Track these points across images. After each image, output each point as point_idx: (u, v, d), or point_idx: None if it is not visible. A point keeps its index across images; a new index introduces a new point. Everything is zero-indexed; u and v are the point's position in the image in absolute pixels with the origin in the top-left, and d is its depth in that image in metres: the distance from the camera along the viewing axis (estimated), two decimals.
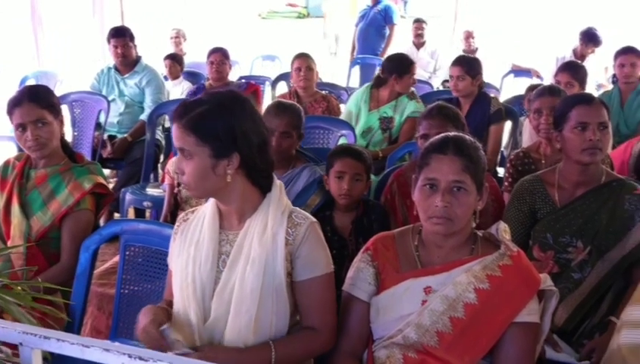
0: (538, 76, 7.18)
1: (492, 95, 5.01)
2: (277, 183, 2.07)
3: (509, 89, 7.13)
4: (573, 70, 4.54)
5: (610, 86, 5.83)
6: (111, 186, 5.76)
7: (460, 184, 1.94)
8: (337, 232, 2.95)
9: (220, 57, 5.44)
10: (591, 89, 6.23)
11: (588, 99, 2.62)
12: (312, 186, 3.06)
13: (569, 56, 6.75)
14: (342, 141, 4.29)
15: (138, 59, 5.40)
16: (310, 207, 3.00)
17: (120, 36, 5.30)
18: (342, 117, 5.06)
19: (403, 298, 1.99)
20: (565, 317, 2.51)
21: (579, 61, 5.74)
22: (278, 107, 3.22)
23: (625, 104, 4.99)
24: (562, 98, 3.12)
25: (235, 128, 1.91)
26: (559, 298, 2.43)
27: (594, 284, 2.52)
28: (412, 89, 4.87)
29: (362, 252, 2.11)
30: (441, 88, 7.11)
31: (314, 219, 2.05)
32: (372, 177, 3.13)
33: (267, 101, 6.04)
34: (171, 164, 3.91)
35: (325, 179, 3.01)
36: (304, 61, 5.06)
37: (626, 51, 5.04)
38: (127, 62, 5.34)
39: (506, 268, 1.95)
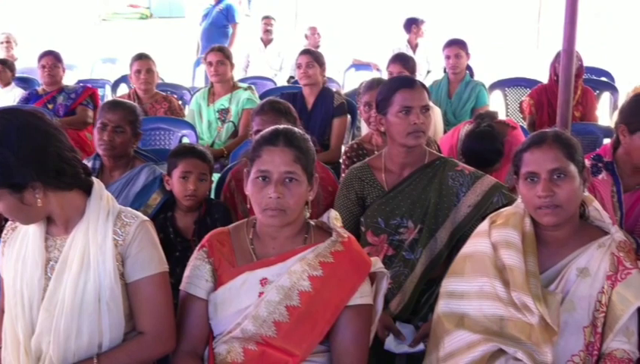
0: (377, 69, 7.46)
1: (334, 89, 5.18)
2: (96, 182, 2.01)
3: (351, 83, 7.35)
4: (403, 61, 4.77)
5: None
6: None
7: (292, 175, 1.98)
8: (180, 233, 2.93)
9: (52, 60, 5.21)
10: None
11: (410, 83, 2.68)
12: (152, 185, 3.03)
13: (404, 47, 7.10)
14: (184, 141, 4.25)
15: None
16: (151, 206, 2.96)
17: None
18: (186, 117, 5.05)
19: (240, 292, 2.00)
20: (403, 303, 2.60)
21: (409, 53, 6.05)
22: (112, 103, 3.26)
23: (453, 94, 5.28)
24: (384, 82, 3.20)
25: (11, 164, 1.80)
26: (397, 285, 2.58)
27: (427, 264, 2.62)
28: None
29: (197, 250, 2.10)
30: (287, 85, 7.21)
31: (145, 218, 2.02)
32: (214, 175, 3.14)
33: None
34: None
35: (167, 179, 2.96)
36: (144, 63, 4.96)
37: (451, 44, 5.33)
38: None
39: (338, 254, 2.02)
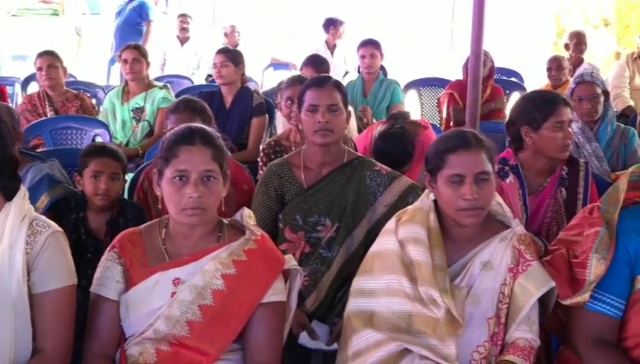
0: (296, 69, 7.48)
1: (253, 88, 5.17)
2: (22, 189, 1.95)
3: (269, 82, 7.36)
4: (316, 64, 4.82)
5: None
6: None
7: (211, 173, 1.98)
8: (92, 234, 2.86)
9: None
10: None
11: (319, 83, 2.72)
12: (39, 186, 2.90)
13: (322, 48, 7.15)
14: (97, 141, 4.17)
15: None
16: (39, 209, 2.84)
17: None
18: (100, 116, 4.95)
19: (152, 292, 1.99)
20: (319, 301, 2.63)
21: (327, 54, 6.11)
22: None
23: (369, 93, 5.35)
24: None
25: None
26: (314, 283, 2.61)
27: (343, 262, 2.66)
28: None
29: (108, 251, 2.07)
30: (205, 83, 7.14)
31: (58, 228, 1.95)
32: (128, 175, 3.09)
33: (18, 103, 5.67)
34: None
35: (78, 179, 2.91)
36: (46, 60, 4.82)
37: (366, 44, 5.40)
38: None
39: (251, 252, 2.03)
